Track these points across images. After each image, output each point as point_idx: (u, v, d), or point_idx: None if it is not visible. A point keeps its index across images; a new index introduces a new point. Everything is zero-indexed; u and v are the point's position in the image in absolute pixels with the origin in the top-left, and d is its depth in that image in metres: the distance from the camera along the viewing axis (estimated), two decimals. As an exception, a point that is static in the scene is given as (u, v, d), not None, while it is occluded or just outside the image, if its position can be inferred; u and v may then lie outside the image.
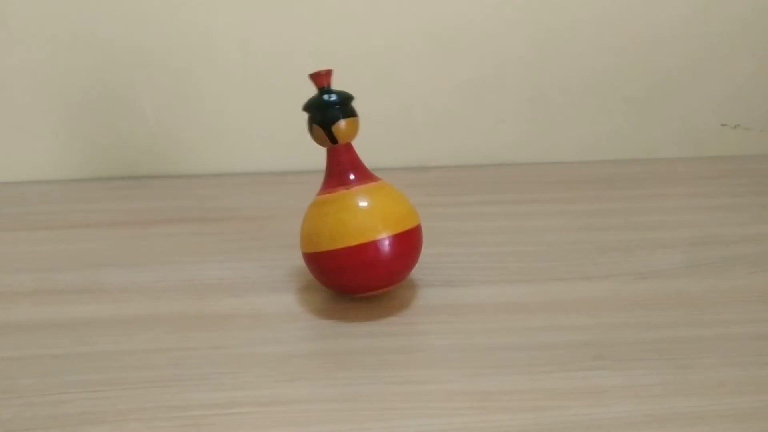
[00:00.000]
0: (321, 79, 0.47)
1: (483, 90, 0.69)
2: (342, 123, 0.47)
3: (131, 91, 0.67)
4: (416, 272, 0.51)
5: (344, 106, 0.47)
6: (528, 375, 0.42)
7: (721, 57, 0.70)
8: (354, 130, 0.48)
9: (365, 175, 0.48)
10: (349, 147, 0.48)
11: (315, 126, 0.47)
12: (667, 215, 0.61)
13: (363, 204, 0.46)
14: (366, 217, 0.46)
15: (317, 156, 0.72)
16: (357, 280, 0.47)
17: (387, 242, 0.46)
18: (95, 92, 0.67)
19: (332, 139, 0.47)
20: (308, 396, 0.41)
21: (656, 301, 0.49)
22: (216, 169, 0.71)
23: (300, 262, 0.48)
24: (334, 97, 0.47)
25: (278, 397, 0.41)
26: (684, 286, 0.51)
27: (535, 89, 0.70)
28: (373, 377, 0.42)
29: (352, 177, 0.47)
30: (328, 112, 0.47)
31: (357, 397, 0.41)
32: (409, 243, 0.47)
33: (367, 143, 0.71)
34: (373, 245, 0.45)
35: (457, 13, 0.66)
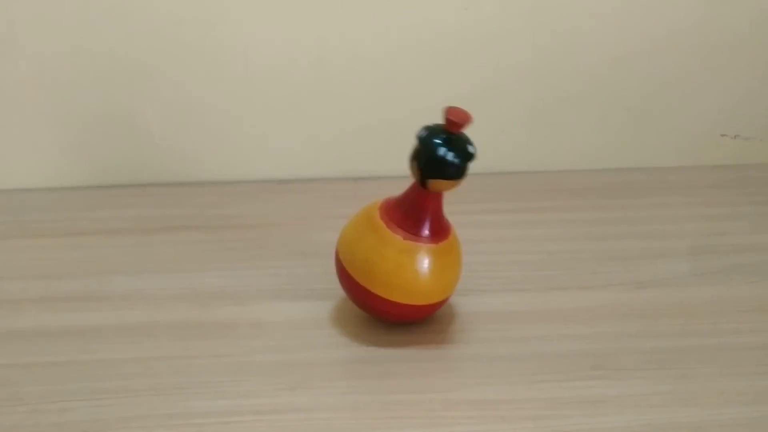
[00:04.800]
0: (455, 126, 0.42)
1: (484, 99, 0.69)
2: (444, 183, 0.43)
3: (134, 100, 0.67)
4: (417, 281, 0.51)
5: (457, 168, 0.42)
6: (528, 384, 0.42)
7: (720, 67, 0.70)
8: (451, 189, 0.43)
9: (445, 227, 0.45)
10: (440, 195, 0.44)
11: (414, 163, 0.43)
12: (667, 224, 0.61)
13: (459, 256, 0.46)
14: (437, 282, 0.44)
15: (319, 164, 0.72)
16: (393, 319, 0.47)
17: (444, 301, 0.47)
18: (99, 101, 0.67)
19: (423, 186, 0.43)
20: (309, 404, 0.41)
21: (656, 311, 0.49)
22: (218, 177, 0.71)
23: (301, 269, 0.48)
24: (451, 157, 0.41)
25: (279, 406, 0.41)
26: (683, 296, 0.51)
27: (536, 98, 0.70)
28: (374, 386, 0.43)
29: (434, 228, 0.44)
30: (439, 167, 0.42)
31: (358, 405, 0.41)
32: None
33: (369, 152, 0.72)
34: (434, 306, 0.46)
35: (458, 23, 0.66)
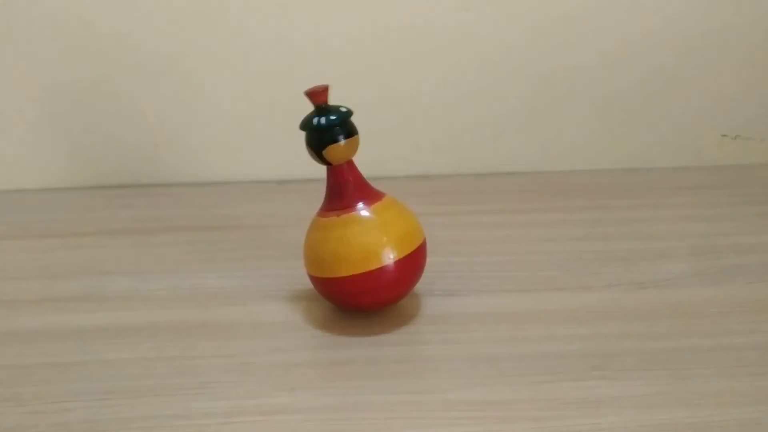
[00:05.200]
0: (318, 96, 0.45)
1: (484, 99, 0.69)
2: (334, 147, 0.45)
3: (134, 101, 0.67)
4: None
5: (338, 126, 0.45)
6: (528, 385, 0.42)
7: (721, 66, 0.70)
8: (350, 151, 0.46)
9: (368, 194, 0.47)
10: (350, 165, 0.46)
11: (308, 148, 0.46)
12: (667, 225, 0.61)
13: (367, 229, 0.46)
14: (371, 243, 0.45)
15: (319, 164, 0.72)
16: (363, 302, 0.47)
17: (393, 266, 0.45)
18: (98, 101, 0.67)
19: (326, 162, 0.46)
20: (309, 405, 0.41)
21: (656, 312, 0.49)
22: (219, 177, 0.71)
23: (301, 270, 0.48)
24: (323, 120, 0.44)
25: (279, 407, 0.41)
26: (684, 296, 0.51)
27: (537, 99, 0.70)
28: (373, 387, 0.43)
29: (354, 197, 0.46)
30: (321, 135, 0.45)
31: (358, 406, 0.41)
32: (414, 263, 0.47)
33: (369, 153, 0.72)
34: (379, 271, 0.45)
35: (457, 25, 0.66)
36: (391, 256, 0.45)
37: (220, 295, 0.52)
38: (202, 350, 0.46)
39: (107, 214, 0.64)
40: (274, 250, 0.57)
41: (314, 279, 0.47)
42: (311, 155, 0.46)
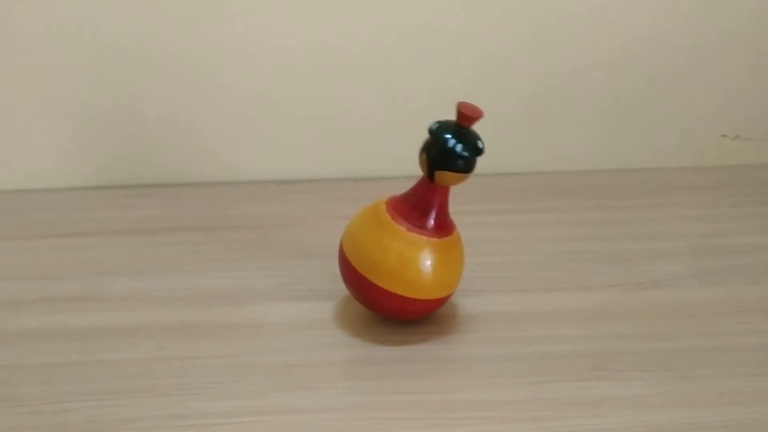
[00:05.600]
0: (466, 119, 0.43)
1: (484, 99, 0.69)
2: (450, 175, 0.43)
3: (135, 101, 0.67)
4: (417, 282, 0.51)
5: (466, 161, 0.43)
6: (528, 385, 0.42)
7: (721, 67, 0.70)
8: (458, 183, 0.44)
9: (450, 223, 0.46)
10: (447, 189, 0.45)
11: (423, 155, 0.43)
12: (667, 225, 0.61)
13: (457, 257, 0.46)
14: (440, 276, 0.45)
15: (320, 165, 0.72)
16: (394, 315, 0.47)
17: (445, 299, 0.47)
18: (99, 102, 0.67)
19: (431, 178, 0.44)
20: (310, 405, 0.41)
21: (656, 312, 0.49)
22: (219, 177, 0.71)
23: (301, 270, 0.48)
24: (459, 148, 0.42)
25: (280, 407, 0.41)
26: (684, 297, 0.51)
27: (537, 99, 0.70)
28: (373, 387, 0.43)
29: (439, 223, 0.45)
30: (447, 157, 0.43)
31: (358, 406, 0.41)
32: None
33: (369, 153, 0.72)
34: (437, 301, 0.46)
35: (457, 25, 0.66)
36: (450, 291, 0.46)
37: (220, 296, 0.52)
38: (202, 350, 0.46)
39: (107, 214, 0.64)
40: (274, 251, 0.57)
41: (363, 280, 0.45)
42: (420, 161, 0.44)
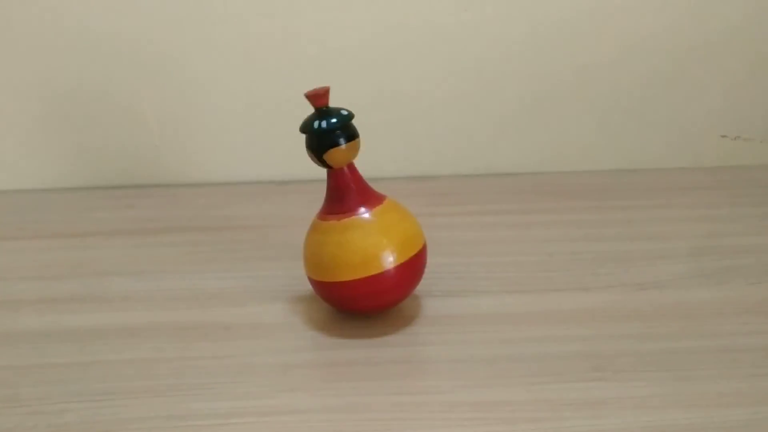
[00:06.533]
0: (318, 99, 0.44)
1: (483, 100, 0.69)
2: (335, 151, 0.44)
3: (134, 101, 0.67)
4: (417, 282, 0.51)
5: (339, 130, 0.44)
6: (527, 386, 0.42)
7: (721, 67, 0.70)
8: (351, 155, 0.45)
9: (369, 198, 0.46)
10: (350, 168, 0.46)
11: (308, 151, 0.45)
12: (667, 226, 0.61)
13: (368, 233, 0.45)
14: (371, 247, 0.45)
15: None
16: (362, 305, 0.47)
17: (393, 271, 0.45)
18: (99, 102, 0.67)
19: (327, 165, 0.45)
20: (308, 406, 0.41)
21: (655, 313, 0.49)
22: (218, 178, 0.71)
23: (301, 272, 0.48)
24: (324, 124, 0.44)
25: (279, 408, 0.41)
26: (683, 297, 0.51)
27: (535, 99, 0.70)
28: (373, 388, 0.43)
29: (355, 201, 0.46)
30: (322, 138, 0.44)
31: (357, 407, 0.41)
32: (415, 267, 0.47)
33: (368, 154, 0.72)
34: (380, 276, 0.45)
35: (456, 26, 0.66)
36: (392, 261, 0.45)
37: (220, 296, 0.52)
38: (201, 351, 0.46)
39: (107, 214, 0.64)
40: (274, 251, 0.57)
41: (314, 282, 0.47)
42: (312, 158, 0.45)
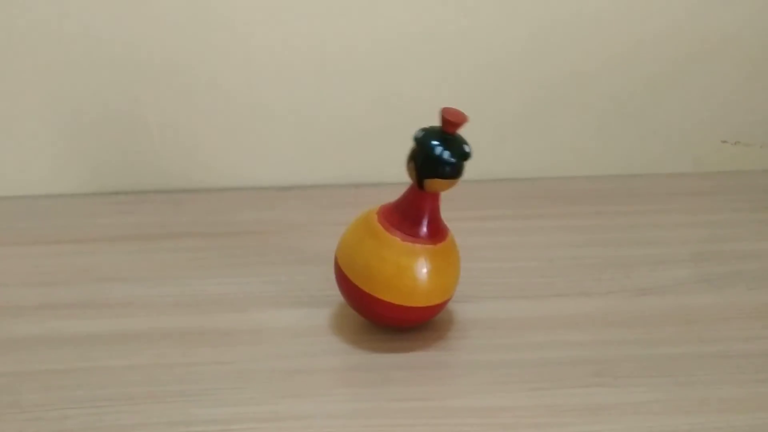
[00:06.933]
0: (452, 126, 0.42)
1: (484, 105, 0.69)
2: (439, 181, 0.43)
3: (136, 107, 0.67)
4: (418, 288, 0.51)
5: (454, 167, 0.42)
6: (529, 391, 0.42)
7: (721, 73, 0.70)
8: (448, 189, 0.44)
9: (442, 229, 0.46)
10: (437, 195, 0.45)
11: (411, 164, 0.43)
12: (668, 231, 0.61)
13: (453, 262, 0.46)
14: (436, 283, 0.44)
15: (320, 171, 0.73)
16: (393, 323, 0.47)
17: (444, 304, 0.46)
18: (100, 107, 0.67)
19: (420, 186, 0.43)
20: (310, 412, 0.41)
21: (656, 318, 0.49)
22: (219, 183, 0.71)
23: (302, 276, 0.48)
24: (446, 155, 0.42)
25: (280, 413, 0.41)
26: (684, 303, 0.51)
27: (536, 104, 0.70)
28: (374, 394, 0.43)
29: (432, 229, 0.44)
30: (435, 165, 0.42)
31: (359, 413, 0.41)
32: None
33: (369, 158, 0.72)
34: (436, 307, 0.46)
35: (455, 31, 0.67)
36: (447, 296, 0.46)
37: (221, 302, 0.52)
38: (203, 357, 0.46)
39: (108, 220, 0.64)
40: (275, 257, 0.57)
41: (358, 291, 0.45)
42: (409, 170, 0.44)
